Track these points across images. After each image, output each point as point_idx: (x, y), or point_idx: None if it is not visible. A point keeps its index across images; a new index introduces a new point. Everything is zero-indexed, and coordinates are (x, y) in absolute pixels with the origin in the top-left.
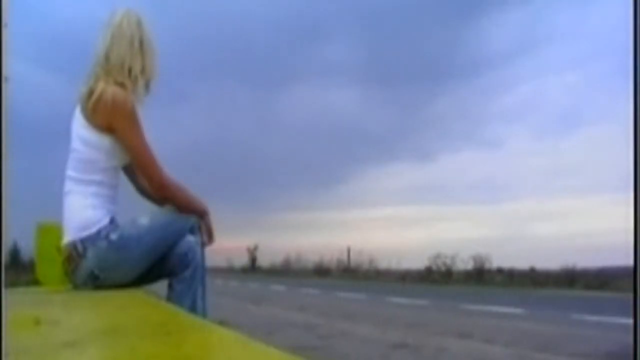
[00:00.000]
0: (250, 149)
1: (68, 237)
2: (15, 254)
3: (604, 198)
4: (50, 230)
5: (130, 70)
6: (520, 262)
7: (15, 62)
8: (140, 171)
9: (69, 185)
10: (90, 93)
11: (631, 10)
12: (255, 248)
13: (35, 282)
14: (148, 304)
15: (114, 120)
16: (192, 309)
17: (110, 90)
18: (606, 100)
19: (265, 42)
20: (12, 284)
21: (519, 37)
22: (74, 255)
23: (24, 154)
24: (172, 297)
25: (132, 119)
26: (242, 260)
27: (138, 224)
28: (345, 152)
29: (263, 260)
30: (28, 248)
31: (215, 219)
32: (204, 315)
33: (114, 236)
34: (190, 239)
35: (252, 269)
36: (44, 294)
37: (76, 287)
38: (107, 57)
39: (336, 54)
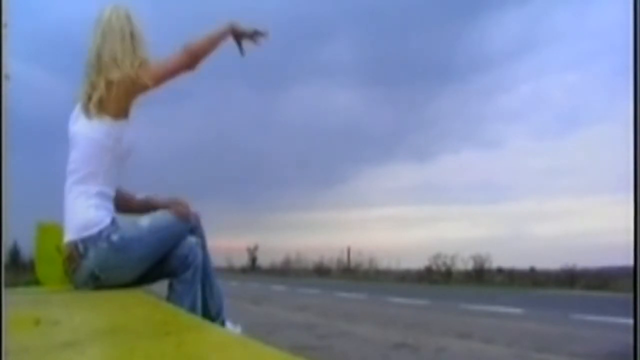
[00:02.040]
0: (250, 149)
1: (69, 237)
2: (15, 254)
3: (604, 198)
4: (50, 230)
5: (122, 64)
6: (520, 262)
7: (15, 62)
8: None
9: (70, 185)
10: (93, 90)
11: (631, 10)
12: (255, 248)
13: (35, 282)
14: (148, 304)
15: (128, 92)
16: (192, 309)
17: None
18: (606, 100)
19: (265, 42)
20: (12, 284)
21: (519, 37)
22: (74, 255)
23: (24, 154)
24: (173, 297)
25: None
26: (242, 260)
27: (139, 225)
28: (345, 152)
29: (263, 260)
30: (28, 248)
31: (216, 219)
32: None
33: (115, 237)
34: (191, 240)
35: (252, 269)
36: (44, 294)
37: (77, 287)
38: (98, 55)
39: (336, 54)
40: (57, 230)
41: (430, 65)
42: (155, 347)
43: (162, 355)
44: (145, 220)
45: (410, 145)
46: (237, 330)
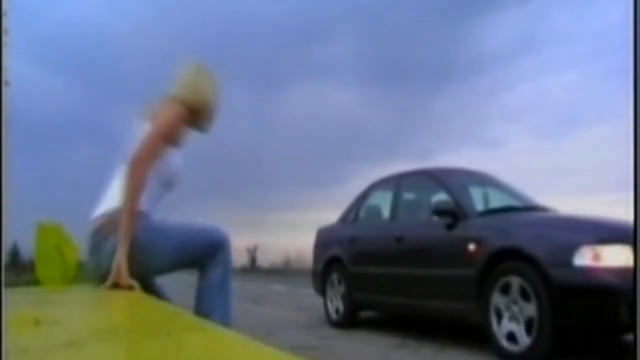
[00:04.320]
0: (250, 149)
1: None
2: (15, 254)
3: (604, 198)
4: (50, 230)
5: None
6: None
7: (15, 63)
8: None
9: (117, 175)
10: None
11: (631, 10)
12: (255, 248)
13: (35, 282)
14: (148, 304)
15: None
16: (224, 319)
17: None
18: (606, 100)
19: (265, 42)
20: (12, 284)
21: (519, 37)
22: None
23: (24, 154)
24: (201, 307)
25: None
26: (242, 260)
27: (169, 224)
28: (345, 152)
29: (263, 260)
30: (28, 248)
31: (216, 219)
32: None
33: (146, 228)
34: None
35: (252, 269)
36: (44, 294)
37: (95, 273)
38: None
39: (336, 54)
40: (57, 230)
41: (431, 65)
42: (155, 347)
43: (162, 356)
44: (178, 230)
45: (411, 145)
46: None
